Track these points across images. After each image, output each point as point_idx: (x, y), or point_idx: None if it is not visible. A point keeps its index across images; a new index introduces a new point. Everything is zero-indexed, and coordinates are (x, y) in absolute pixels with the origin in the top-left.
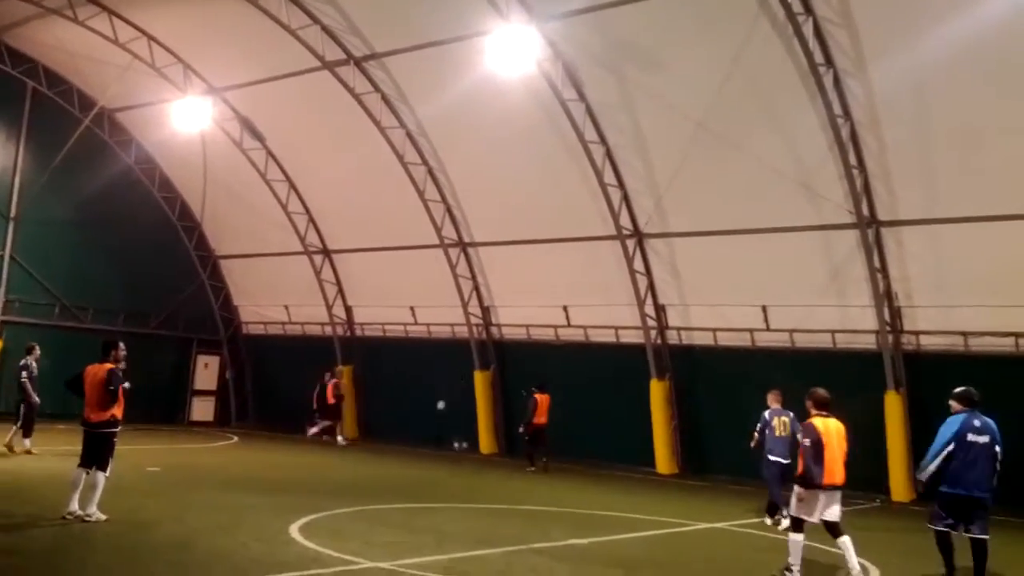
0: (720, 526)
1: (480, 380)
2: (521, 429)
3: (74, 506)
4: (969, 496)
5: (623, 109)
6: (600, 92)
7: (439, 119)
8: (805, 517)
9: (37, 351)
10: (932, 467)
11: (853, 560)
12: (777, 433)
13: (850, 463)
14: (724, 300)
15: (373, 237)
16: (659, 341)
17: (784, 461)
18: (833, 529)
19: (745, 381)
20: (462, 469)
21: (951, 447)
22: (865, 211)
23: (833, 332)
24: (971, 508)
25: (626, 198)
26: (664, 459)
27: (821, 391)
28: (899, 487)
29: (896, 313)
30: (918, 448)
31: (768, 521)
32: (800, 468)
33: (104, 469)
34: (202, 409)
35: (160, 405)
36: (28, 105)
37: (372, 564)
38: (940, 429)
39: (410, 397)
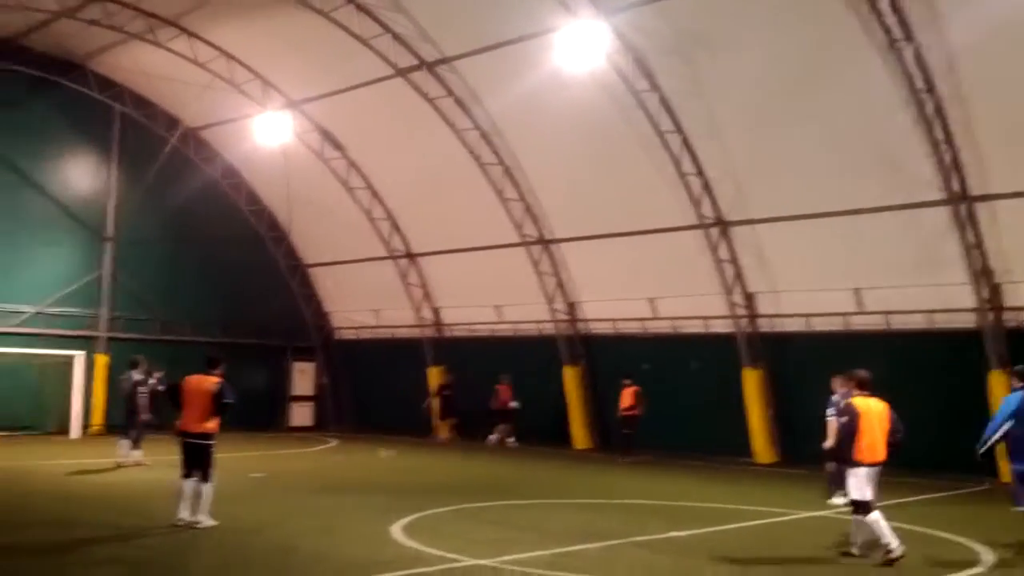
0: (823, 514)
1: (569, 375)
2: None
3: (184, 513)
4: None
5: (697, 96)
6: (673, 80)
7: (512, 118)
8: (868, 497)
9: (144, 364)
10: (991, 440)
11: (889, 535)
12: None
13: (951, 446)
14: (815, 285)
15: (455, 238)
16: (750, 329)
17: None
18: (865, 507)
19: (841, 366)
20: (557, 464)
21: (1010, 424)
22: (956, 186)
23: (930, 312)
24: None
25: (707, 186)
26: (762, 448)
27: (862, 372)
28: (1004, 469)
29: (995, 290)
30: None
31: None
32: (834, 443)
33: (207, 479)
34: (300, 414)
35: (259, 412)
36: (117, 128)
37: (474, 561)
38: (1000, 406)
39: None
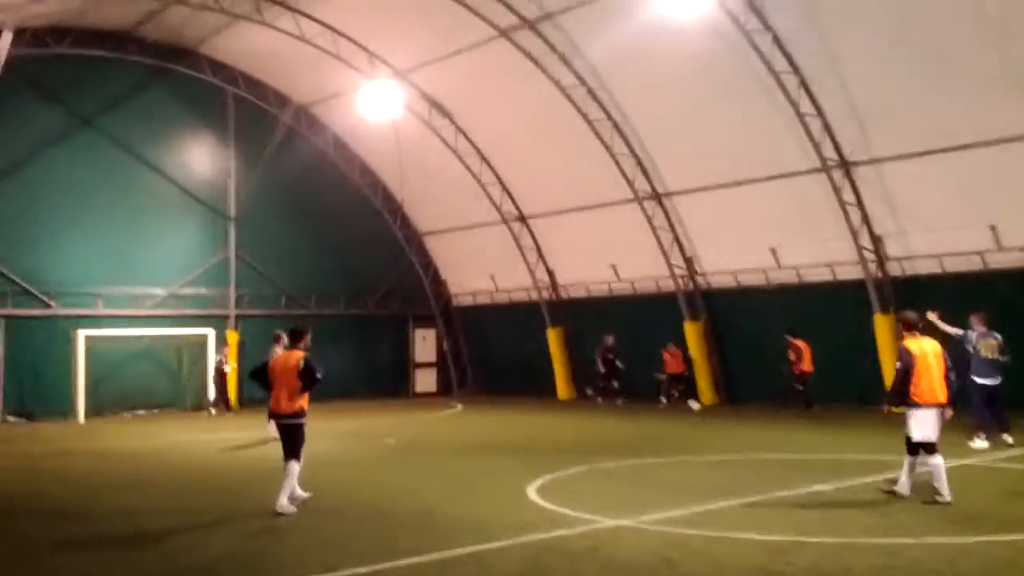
0: (969, 462)
1: (691, 331)
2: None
3: (299, 492)
4: None
5: (813, 33)
6: (785, 17)
7: (618, 71)
8: (930, 438)
9: (285, 339)
10: None
11: (943, 482)
12: (983, 354)
13: None
14: (947, 224)
15: (567, 198)
16: (880, 274)
17: (992, 383)
18: (929, 448)
19: (979, 306)
20: (684, 422)
21: None
22: None
23: None
24: None
25: (827, 127)
26: None
27: (909, 313)
28: None
29: None
30: None
31: (978, 444)
32: (896, 388)
33: (298, 458)
34: (425, 381)
35: (385, 380)
36: (232, 110)
37: (615, 522)
38: None
39: (625, 355)
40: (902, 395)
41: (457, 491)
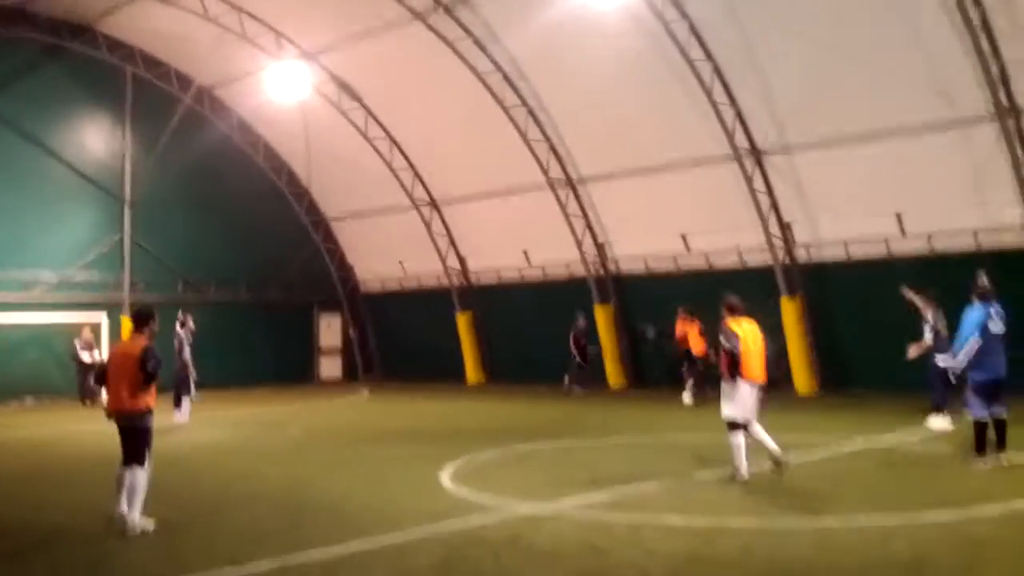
0: (882, 441)
1: (601, 315)
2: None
3: (124, 505)
4: (998, 379)
5: (730, 22)
6: (703, 7)
7: (535, 57)
8: (742, 415)
9: (190, 322)
10: (961, 356)
11: (742, 461)
12: (944, 333)
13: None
14: (854, 211)
15: (480, 185)
16: (787, 260)
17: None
18: (738, 426)
19: (882, 292)
20: (594, 405)
21: (976, 337)
22: (1004, 100)
23: (976, 231)
24: (997, 390)
25: (740, 116)
26: (802, 379)
27: (732, 297)
28: None
29: None
30: None
31: (936, 421)
32: (723, 367)
33: (142, 464)
34: (330, 367)
35: (289, 367)
36: (130, 90)
37: (535, 508)
38: (963, 323)
39: (532, 338)
40: (728, 372)
41: (369, 479)
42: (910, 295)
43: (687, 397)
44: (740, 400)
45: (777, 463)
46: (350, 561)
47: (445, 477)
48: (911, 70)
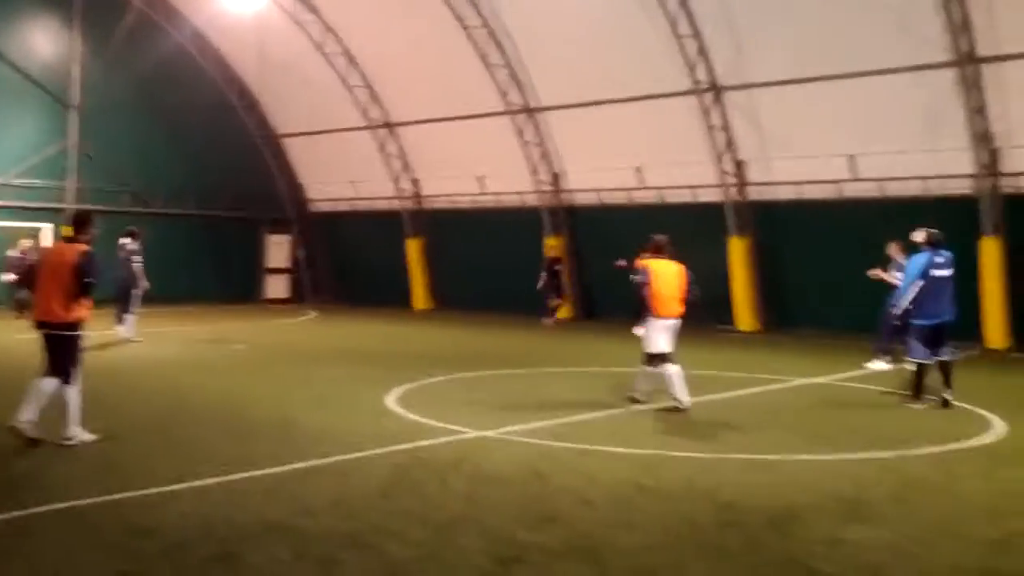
0: (821, 380)
1: (553, 245)
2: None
3: (28, 414)
4: (941, 323)
5: None
6: None
7: None
8: (659, 348)
9: (136, 240)
10: (906, 301)
11: (678, 390)
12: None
13: None
14: (808, 152)
15: (437, 107)
16: (739, 198)
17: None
18: (664, 358)
19: (831, 234)
20: (540, 335)
21: (920, 283)
22: (963, 46)
23: (925, 179)
24: (940, 334)
25: (702, 49)
26: (745, 316)
27: (657, 237)
28: (995, 334)
29: (994, 155)
30: (1016, 295)
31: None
32: (636, 303)
33: (68, 381)
34: (276, 287)
35: (234, 285)
36: None
37: (480, 433)
38: (908, 268)
39: (482, 266)
40: (642, 309)
41: (315, 400)
42: (880, 275)
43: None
44: (655, 334)
45: (639, 399)
46: (295, 479)
47: (392, 400)
48: (877, 13)
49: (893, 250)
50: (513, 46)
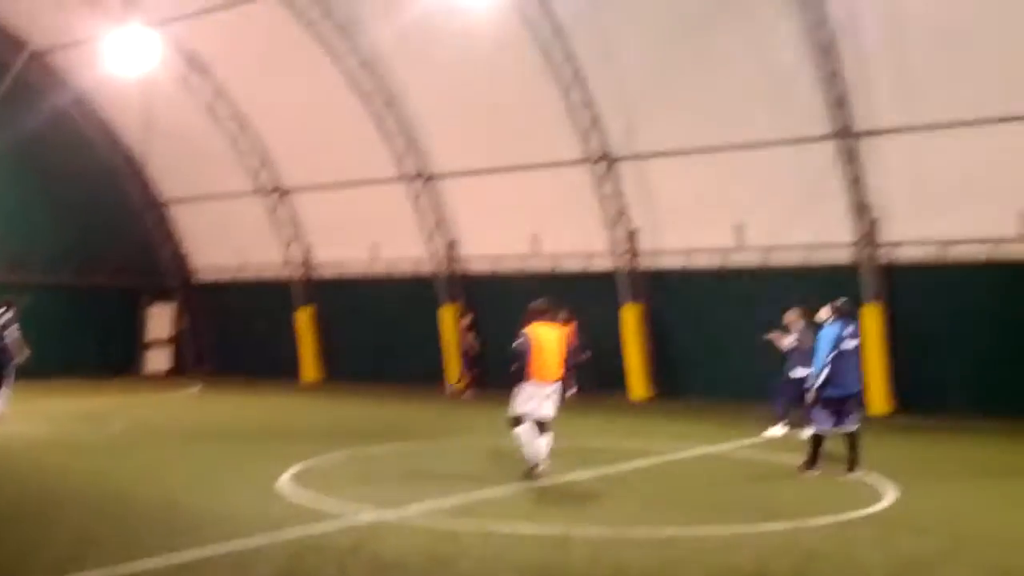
0: (716, 449)
1: (446, 315)
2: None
3: None
4: (849, 394)
5: (592, 25)
6: (567, 8)
7: (395, 45)
8: (522, 410)
9: (16, 305)
10: (822, 375)
11: (533, 451)
12: (805, 346)
13: None
14: (696, 221)
15: (330, 173)
16: (630, 266)
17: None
18: (541, 426)
19: (718, 302)
20: (437, 406)
21: (832, 355)
22: (843, 121)
23: (808, 248)
24: (847, 404)
25: (596, 119)
26: (638, 384)
27: (536, 303)
28: (878, 400)
29: (872, 225)
30: (898, 360)
31: (775, 431)
32: (515, 367)
33: None
34: (157, 359)
35: (113, 357)
36: None
37: (379, 515)
38: (819, 343)
39: (375, 337)
40: (521, 373)
41: (202, 481)
42: (775, 339)
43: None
44: (524, 398)
45: (532, 469)
46: (185, 570)
47: (285, 480)
48: (761, 88)
49: (790, 318)
50: (409, 113)
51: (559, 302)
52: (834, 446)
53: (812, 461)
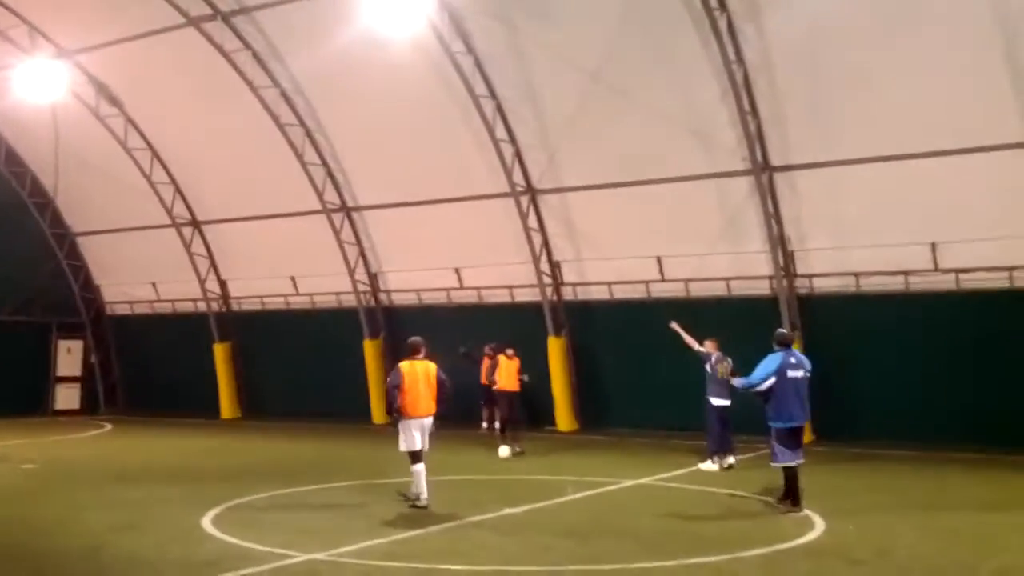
0: (646, 481)
1: (370, 349)
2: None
3: None
4: (798, 426)
5: (514, 61)
6: (489, 43)
7: (317, 77)
8: (413, 447)
9: None
10: (755, 388)
11: (422, 488)
12: (719, 375)
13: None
14: (619, 253)
15: (248, 206)
16: (555, 298)
17: (726, 404)
18: (416, 456)
19: (642, 333)
20: (361, 442)
21: (772, 382)
22: (759, 157)
23: (728, 280)
24: (798, 436)
25: (518, 153)
26: (564, 416)
27: (412, 339)
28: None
29: (789, 257)
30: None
31: (708, 465)
32: (388, 404)
33: None
34: (67, 397)
35: (20, 395)
36: None
37: (308, 556)
38: (762, 363)
39: (296, 371)
40: (394, 409)
41: (123, 525)
42: (679, 330)
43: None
44: (412, 433)
45: (411, 499)
46: None
47: (208, 522)
48: (679, 124)
49: (708, 346)
50: (330, 145)
51: (486, 336)
52: (751, 476)
53: (792, 497)
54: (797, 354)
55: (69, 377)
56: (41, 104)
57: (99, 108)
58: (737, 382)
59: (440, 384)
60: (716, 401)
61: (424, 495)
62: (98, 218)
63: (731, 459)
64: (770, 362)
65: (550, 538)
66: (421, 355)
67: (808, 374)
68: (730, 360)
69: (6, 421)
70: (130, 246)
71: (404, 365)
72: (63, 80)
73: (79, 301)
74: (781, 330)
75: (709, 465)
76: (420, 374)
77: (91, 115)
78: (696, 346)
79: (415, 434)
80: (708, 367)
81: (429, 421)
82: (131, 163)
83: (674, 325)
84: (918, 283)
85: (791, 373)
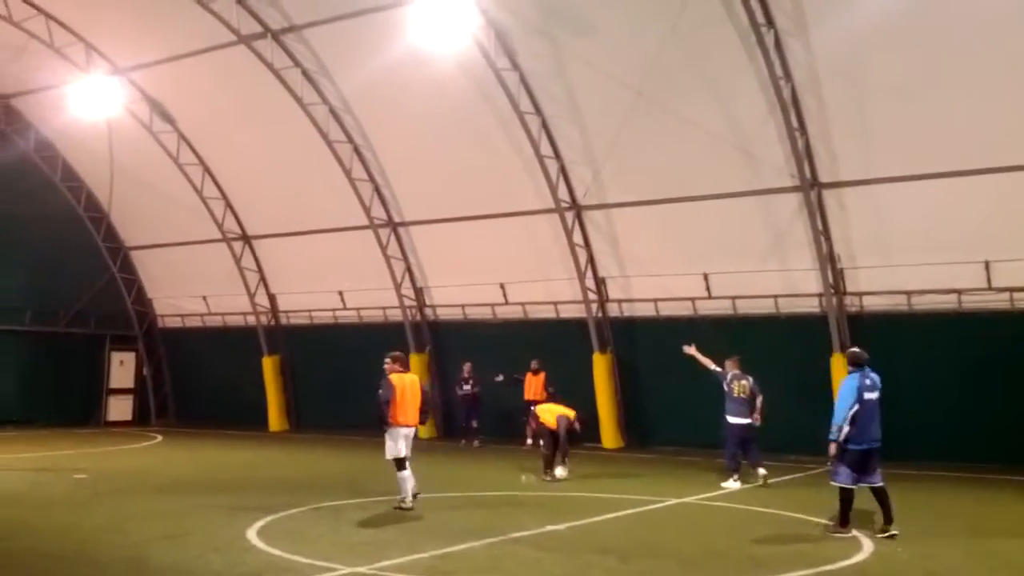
0: (690, 500)
1: (416, 362)
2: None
3: None
4: (874, 448)
5: (558, 78)
6: (534, 61)
7: (365, 94)
8: (399, 455)
9: None
10: (845, 426)
11: (407, 491)
12: (736, 395)
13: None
14: (664, 270)
15: (297, 221)
16: (600, 314)
17: (744, 422)
18: (401, 463)
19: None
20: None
21: (855, 408)
22: (807, 174)
23: (776, 297)
24: (873, 458)
25: (563, 169)
26: (609, 434)
27: (397, 352)
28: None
29: (839, 275)
30: None
31: (731, 485)
32: (379, 413)
33: None
34: (119, 408)
35: (73, 406)
36: None
37: (351, 569)
38: (841, 391)
39: (343, 385)
40: (384, 418)
41: (169, 535)
42: (695, 354)
43: (561, 471)
44: (395, 441)
45: (402, 503)
46: None
47: (254, 533)
48: (726, 140)
49: (729, 365)
50: (377, 161)
51: (530, 351)
52: (799, 495)
53: (843, 520)
54: (871, 374)
55: (121, 389)
56: (96, 120)
57: (152, 124)
58: (832, 435)
59: (423, 395)
60: (733, 419)
61: (409, 498)
62: (151, 232)
63: (762, 470)
64: (848, 392)
65: (591, 555)
66: (406, 367)
67: (880, 394)
68: (750, 379)
69: (60, 431)
70: (181, 260)
71: (395, 378)
72: (118, 97)
73: (132, 314)
74: (855, 349)
75: (731, 484)
76: (408, 386)
77: (144, 131)
78: (712, 366)
79: (401, 443)
80: (725, 386)
81: (412, 431)
82: (183, 178)
83: (688, 349)
84: (971, 302)
85: (867, 395)
